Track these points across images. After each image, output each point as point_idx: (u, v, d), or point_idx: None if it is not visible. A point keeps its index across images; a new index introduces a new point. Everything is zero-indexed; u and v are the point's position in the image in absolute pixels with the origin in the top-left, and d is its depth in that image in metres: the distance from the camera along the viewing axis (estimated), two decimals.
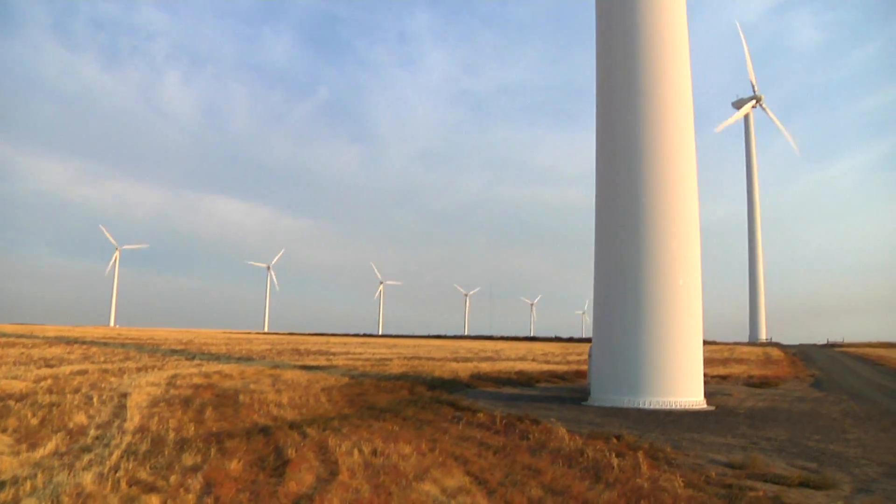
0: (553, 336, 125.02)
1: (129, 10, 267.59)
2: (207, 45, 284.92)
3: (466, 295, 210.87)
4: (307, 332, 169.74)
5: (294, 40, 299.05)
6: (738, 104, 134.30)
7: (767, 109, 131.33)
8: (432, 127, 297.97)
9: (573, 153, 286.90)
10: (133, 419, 13.07)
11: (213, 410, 14.73)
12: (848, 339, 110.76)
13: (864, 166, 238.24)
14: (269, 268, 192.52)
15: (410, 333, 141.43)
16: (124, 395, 16.55)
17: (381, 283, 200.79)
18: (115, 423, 12.54)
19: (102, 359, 31.67)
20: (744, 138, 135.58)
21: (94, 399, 15.66)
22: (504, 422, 13.89)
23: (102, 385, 19.02)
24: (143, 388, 18.40)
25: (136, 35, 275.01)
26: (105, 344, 50.05)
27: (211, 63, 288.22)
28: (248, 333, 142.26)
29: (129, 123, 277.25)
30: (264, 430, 12.32)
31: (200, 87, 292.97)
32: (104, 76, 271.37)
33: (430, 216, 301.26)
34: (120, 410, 14.21)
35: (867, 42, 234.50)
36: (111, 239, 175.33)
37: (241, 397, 17.20)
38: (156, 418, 13.19)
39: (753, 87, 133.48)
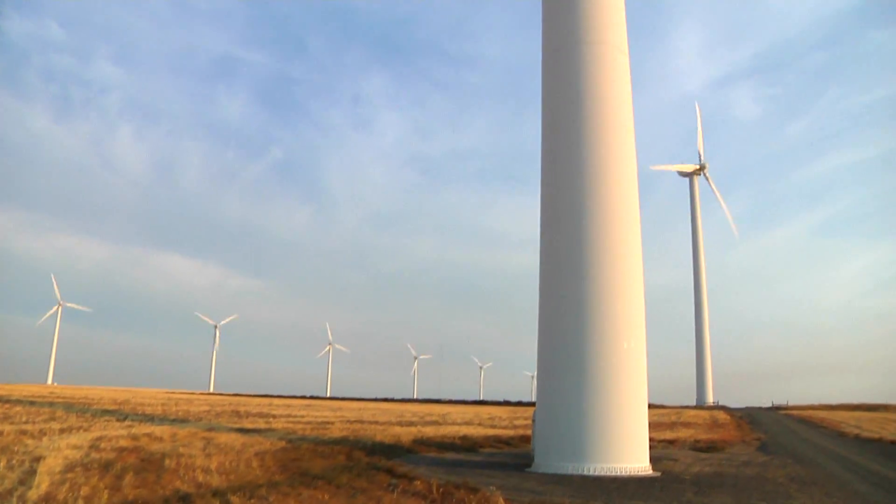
0: (502, 399, 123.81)
1: (84, 63, 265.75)
2: (162, 100, 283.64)
3: (416, 358, 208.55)
4: (253, 392, 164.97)
5: (249, 99, 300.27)
6: (682, 171, 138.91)
7: (710, 180, 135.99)
8: (385, 189, 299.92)
9: (524, 218, 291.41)
10: (40, 487, 12.04)
11: (133, 476, 13.75)
12: (792, 402, 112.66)
13: (802, 234, 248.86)
14: (216, 327, 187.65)
15: (358, 396, 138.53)
16: (38, 460, 15.37)
17: (330, 344, 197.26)
18: (18, 492, 11.52)
19: (24, 419, 29.80)
20: (689, 204, 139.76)
21: (2, 464, 14.48)
22: (441, 490, 13.28)
23: (16, 448, 17.70)
24: (61, 452, 17.18)
25: (90, 88, 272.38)
26: (32, 403, 47.39)
27: (165, 119, 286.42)
28: (191, 394, 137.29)
29: (79, 176, 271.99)
30: (185, 499, 11.48)
31: (153, 142, 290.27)
32: (55, 127, 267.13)
33: (381, 278, 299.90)
34: (28, 477, 13.11)
35: (801, 116, 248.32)
36: (57, 291, 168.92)
37: (168, 462, 16.18)
38: (67, 485, 12.19)
39: (700, 155, 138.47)
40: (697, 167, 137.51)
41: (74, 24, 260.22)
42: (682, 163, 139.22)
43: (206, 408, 54.62)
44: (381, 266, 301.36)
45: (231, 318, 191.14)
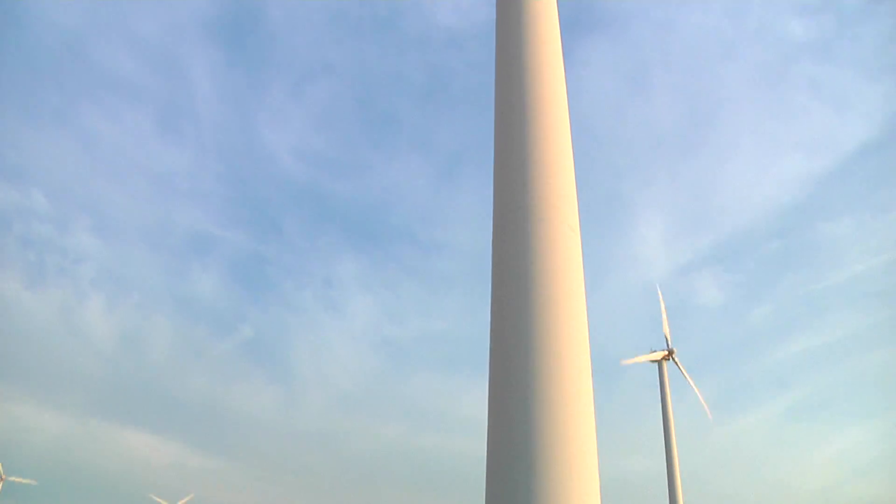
0: None
1: (63, 232, 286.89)
2: (135, 272, 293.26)
3: None
4: None
5: (222, 276, 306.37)
6: (652, 359, 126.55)
7: (680, 365, 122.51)
8: (353, 372, 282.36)
9: None
10: None
11: None
12: None
13: (775, 418, 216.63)
14: None
15: None
16: None
17: None
18: None
19: None
20: (659, 390, 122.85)
21: None
22: None
23: None
24: None
25: (66, 256, 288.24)
26: None
27: (136, 291, 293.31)
28: None
29: (44, 344, 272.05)
30: None
31: (122, 313, 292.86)
32: (25, 294, 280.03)
33: (347, 462, 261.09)
34: None
35: (763, 301, 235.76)
36: None
37: None
38: None
39: (667, 340, 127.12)
40: (665, 353, 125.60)
41: (59, 194, 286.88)
42: (651, 349, 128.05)
43: None
44: (348, 449, 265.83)
45: (187, 498, 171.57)
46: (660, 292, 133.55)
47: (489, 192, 15.00)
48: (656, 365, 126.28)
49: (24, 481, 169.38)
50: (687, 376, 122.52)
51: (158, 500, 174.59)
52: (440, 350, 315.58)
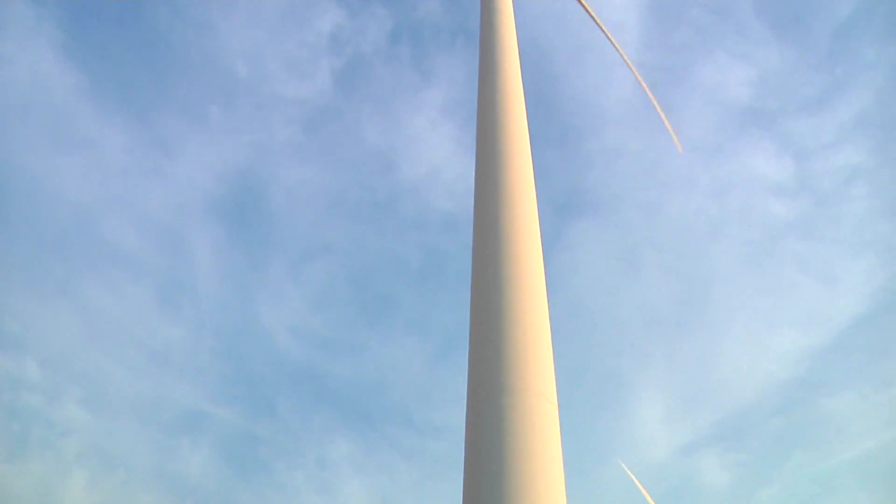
0: None
1: (52, 403, 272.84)
2: (122, 448, 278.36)
3: None
4: None
5: (212, 455, 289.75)
6: None
7: None
8: None
9: None
10: None
11: None
12: None
13: None
14: None
15: None
16: None
17: None
18: None
19: None
20: None
21: None
22: None
23: None
24: None
25: (53, 429, 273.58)
26: None
27: (122, 467, 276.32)
28: None
29: None
30: None
31: (106, 490, 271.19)
32: (5, 466, 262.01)
33: None
34: None
35: (771, 482, 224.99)
36: None
37: None
38: None
39: None
40: None
41: (53, 365, 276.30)
42: None
43: None
44: None
45: None
46: (623, 465, 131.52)
47: None
48: None
49: None
50: None
51: None
52: None
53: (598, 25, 22.79)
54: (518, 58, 17.20)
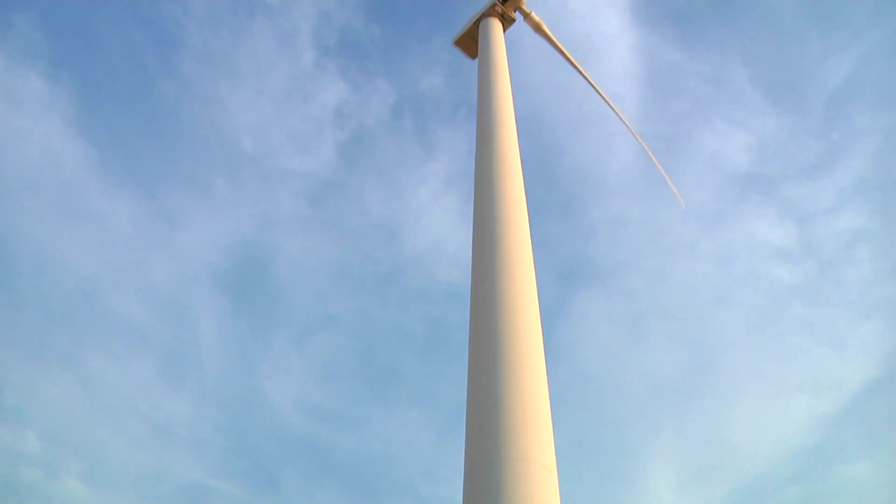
0: None
1: (51, 478, 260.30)
2: None
3: None
4: None
5: None
6: None
7: None
8: None
9: None
10: None
11: None
12: None
13: None
14: None
15: None
16: None
17: None
18: None
19: None
20: None
21: None
22: None
23: None
24: None
25: None
26: None
27: None
28: None
29: None
30: None
31: None
32: None
33: None
34: None
35: None
36: None
37: None
38: None
39: None
40: None
41: (53, 438, 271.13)
42: None
43: None
44: None
45: None
46: None
47: None
48: None
49: None
50: None
51: None
52: None
53: (598, 93, 23.36)
54: (515, 127, 17.34)
